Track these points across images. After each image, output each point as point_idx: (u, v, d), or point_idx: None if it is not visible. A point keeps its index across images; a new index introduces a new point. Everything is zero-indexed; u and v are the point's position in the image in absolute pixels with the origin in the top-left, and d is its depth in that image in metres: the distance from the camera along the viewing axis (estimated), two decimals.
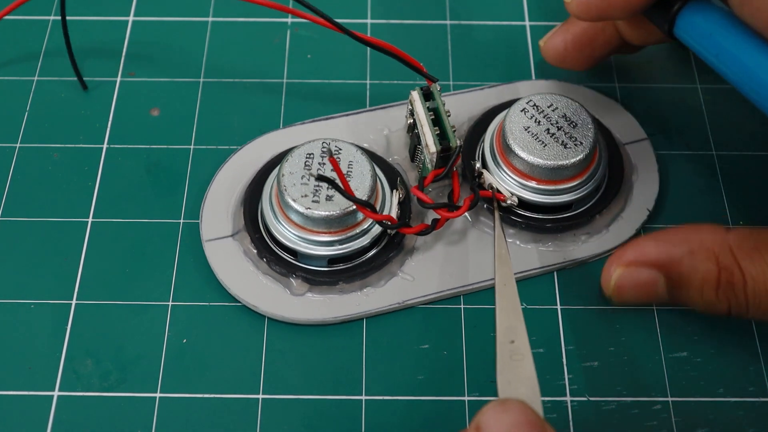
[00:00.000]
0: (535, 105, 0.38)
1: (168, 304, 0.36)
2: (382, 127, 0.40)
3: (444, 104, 0.37)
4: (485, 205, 0.38)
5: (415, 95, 0.37)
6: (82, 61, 0.43)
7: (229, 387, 0.34)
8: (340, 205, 0.35)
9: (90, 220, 0.38)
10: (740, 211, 0.39)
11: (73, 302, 0.36)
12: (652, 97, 0.42)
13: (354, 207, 0.35)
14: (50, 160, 0.40)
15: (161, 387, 0.34)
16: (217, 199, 0.38)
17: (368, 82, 0.43)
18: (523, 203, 0.37)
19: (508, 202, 0.37)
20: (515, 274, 0.37)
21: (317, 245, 0.36)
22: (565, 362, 0.35)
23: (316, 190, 0.35)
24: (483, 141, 0.39)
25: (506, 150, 0.37)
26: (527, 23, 0.45)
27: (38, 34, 0.44)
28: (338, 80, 0.43)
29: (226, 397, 0.34)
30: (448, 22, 0.45)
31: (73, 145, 0.40)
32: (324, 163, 0.36)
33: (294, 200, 0.35)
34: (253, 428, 0.34)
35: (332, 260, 0.36)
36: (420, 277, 0.37)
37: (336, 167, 0.33)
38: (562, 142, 0.37)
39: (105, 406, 0.34)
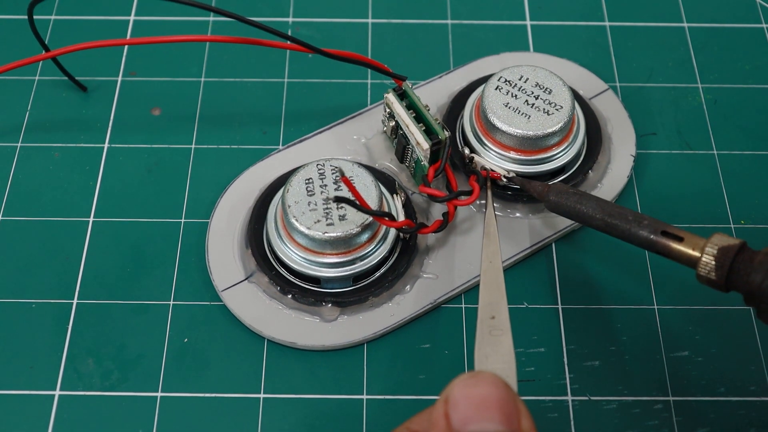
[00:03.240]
0: (506, 81, 0.38)
1: (169, 304, 0.36)
2: (358, 136, 0.40)
3: (419, 99, 0.37)
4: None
5: (391, 98, 0.37)
6: (84, 61, 0.43)
7: (230, 386, 0.34)
8: (355, 221, 0.34)
9: (91, 219, 0.38)
10: (741, 210, 0.39)
11: (75, 302, 0.36)
12: (652, 96, 0.43)
13: (371, 219, 0.34)
14: (51, 160, 0.40)
15: (162, 386, 0.34)
16: (219, 247, 0.37)
17: (369, 81, 0.43)
18: (520, 177, 0.38)
19: (506, 177, 0.37)
20: (532, 246, 0.37)
21: (341, 267, 0.35)
22: (566, 362, 0.35)
23: (327, 213, 0.34)
24: (461, 126, 0.39)
25: (492, 130, 0.37)
26: (528, 23, 0.45)
27: (39, 33, 0.44)
28: (339, 80, 0.43)
29: (227, 396, 0.34)
30: (448, 21, 0.45)
31: (74, 145, 0.40)
32: (326, 185, 0.35)
33: (309, 228, 0.34)
34: (254, 428, 0.34)
35: (356, 278, 0.36)
36: (443, 273, 0.37)
37: (349, 185, 0.33)
38: (544, 109, 0.37)
39: (106, 406, 0.34)
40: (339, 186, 0.35)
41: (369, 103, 0.42)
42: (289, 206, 0.35)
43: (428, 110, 0.37)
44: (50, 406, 0.34)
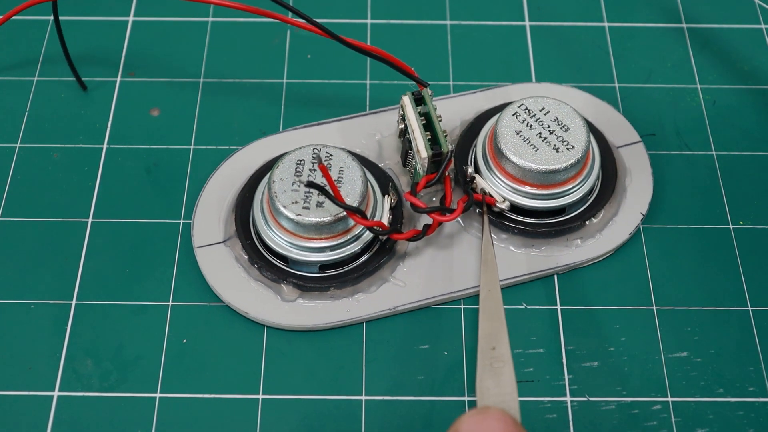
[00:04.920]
0: (527, 109, 0.37)
1: (168, 304, 0.36)
2: (374, 131, 0.40)
3: (435, 109, 0.37)
4: (477, 210, 0.38)
5: (406, 100, 0.37)
6: (82, 62, 0.43)
7: (229, 387, 0.34)
8: (330, 211, 0.35)
9: (90, 220, 0.38)
10: (740, 211, 0.39)
11: (73, 302, 0.36)
12: (651, 97, 0.43)
13: (345, 213, 0.35)
14: (50, 161, 0.40)
15: (161, 387, 0.34)
16: (209, 206, 0.38)
17: (368, 82, 0.43)
18: (516, 208, 0.37)
19: (500, 206, 0.37)
20: (508, 279, 0.37)
21: (308, 251, 0.35)
22: (565, 362, 0.35)
23: (307, 197, 0.35)
24: (475, 145, 0.39)
25: (498, 154, 0.37)
26: (527, 23, 0.45)
27: (38, 34, 0.44)
28: (338, 80, 0.43)
29: (226, 397, 0.34)
30: (448, 22, 0.45)
31: (73, 146, 0.40)
32: (314, 170, 0.35)
33: (284, 207, 0.35)
34: (253, 428, 0.34)
35: (324, 266, 0.36)
36: (411, 282, 0.36)
37: (326, 174, 0.33)
38: (554, 146, 0.36)
39: (105, 406, 0.34)
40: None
41: (368, 104, 0.42)
42: (274, 182, 0.35)
43: (440, 121, 0.36)
44: (49, 407, 0.34)
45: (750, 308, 0.36)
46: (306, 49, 0.44)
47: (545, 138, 0.37)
